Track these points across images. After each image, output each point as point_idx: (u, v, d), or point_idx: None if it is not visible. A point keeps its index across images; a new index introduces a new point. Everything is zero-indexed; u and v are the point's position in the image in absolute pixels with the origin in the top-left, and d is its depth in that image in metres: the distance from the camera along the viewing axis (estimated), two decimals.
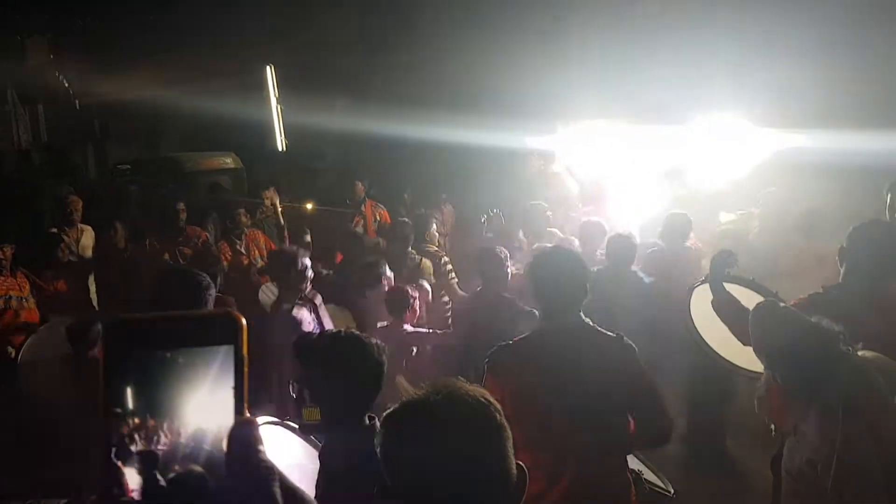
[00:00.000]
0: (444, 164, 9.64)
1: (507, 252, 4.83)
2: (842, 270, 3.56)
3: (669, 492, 3.20)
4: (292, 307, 4.42)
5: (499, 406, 1.39)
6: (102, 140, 15.41)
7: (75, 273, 6.33)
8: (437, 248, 6.41)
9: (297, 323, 4.32)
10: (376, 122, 9.58)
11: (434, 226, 6.82)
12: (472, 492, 1.32)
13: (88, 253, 6.92)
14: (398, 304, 4.81)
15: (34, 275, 5.91)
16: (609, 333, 2.89)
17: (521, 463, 1.37)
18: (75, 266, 6.49)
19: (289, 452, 2.91)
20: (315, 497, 2.37)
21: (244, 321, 0.83)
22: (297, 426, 2.54)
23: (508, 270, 4.76)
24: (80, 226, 7.03)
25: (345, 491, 2.19)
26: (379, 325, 4.83)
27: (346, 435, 2.32)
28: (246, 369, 0.82)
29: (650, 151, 7.36)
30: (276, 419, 2.92)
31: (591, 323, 2.89)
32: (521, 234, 6.59)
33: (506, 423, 1.37)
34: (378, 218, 8.13)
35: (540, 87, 9.06)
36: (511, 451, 1.36)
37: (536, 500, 2.67)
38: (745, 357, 4.09)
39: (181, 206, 6.92)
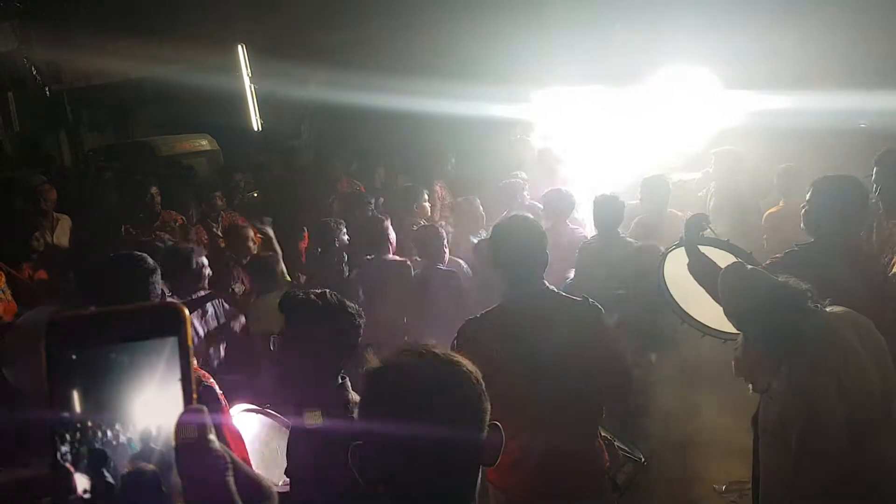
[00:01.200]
0: (426, 138, 9.58)
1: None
2: (809, 228, 3.62)
3: (640, 458, 3.25)
4: None
5: (474, 368, 1.42)
6: (75, 127, 15.19)
7: (54, 263, 6.26)
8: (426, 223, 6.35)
9: None
10: (352, 97, 9.50)
11: (426, 200, 6.81)
12: (447, 451, 1.35)
13: (65, 242, 6.84)
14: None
15: (10, 267, 5.84)
16: (574, 297, 2.92)
17: (496, 423, 1.40)
18: (53, 256, 6.42)
19: (266, 437, 2.94)
20: (290, 456, 2.43)
21: (187, 311, 0.83)
22: (272, 412, 2.57)
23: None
24: (55, 215, 6.95)
25: (319, 448, 2.25)
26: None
27: (320, 392, 2.39)
28: (192, 360, 0.82)
29: (624, 116, 7.34)
30: (253, 406, 2.95)
31: (554, 289, 2.91)
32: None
33: (481, 384, 1.40)
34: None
35: (512, 54, 9.00)
36: (486, 411, 1.39)
37: (511, 468, 2.71)
38: (719, 319, 4.17)
39: (155, 189, 6.82)
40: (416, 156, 8.92)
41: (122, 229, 6.73)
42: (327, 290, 2.59)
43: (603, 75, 7.64)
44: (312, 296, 2.57)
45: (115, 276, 2.64)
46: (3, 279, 5.67)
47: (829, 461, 2.44)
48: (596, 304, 2.93)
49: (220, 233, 6.68)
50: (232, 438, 2.55)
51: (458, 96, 8.15)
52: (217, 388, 2.66)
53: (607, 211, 5.15)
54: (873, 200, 4.21)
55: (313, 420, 2.38)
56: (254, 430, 2.95)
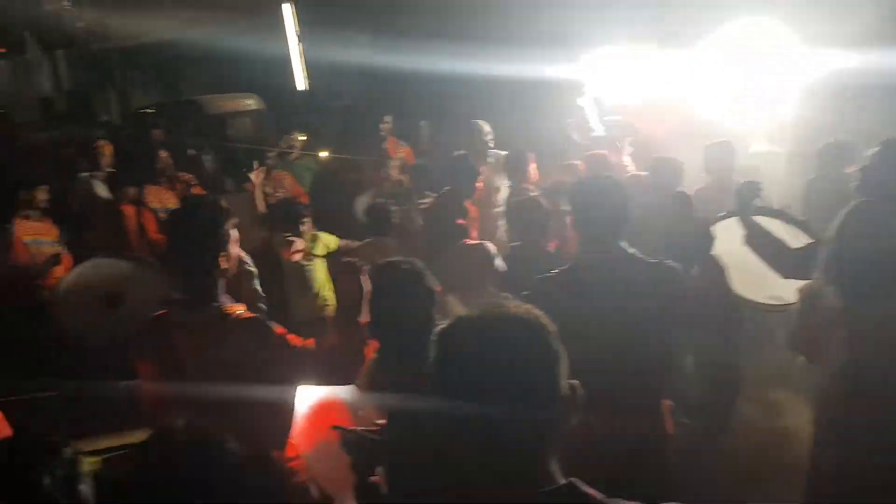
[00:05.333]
0: (473, 101, 9.41)
1: None
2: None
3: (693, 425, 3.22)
4: None
5: (550, 324, 1.39)
6: (124, 85, 15.36)
7: (108, 216, 6.40)
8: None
9: None
10: (399, 58, 9.37)
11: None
12: (522, 406, 1.33)
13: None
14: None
15: (67, 219, 5.98)
16: (651, 260, 2.84)
17: (573, 382, 1.38)
18: (107, 209, 6.57)
19: None
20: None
21: None
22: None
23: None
24: (108, 170, 7.09)
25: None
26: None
27: (402, 346, 2.43)
28: None
29: (686, 78, 6.87)
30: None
31: (632, 251, 2.83)
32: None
33: (557, 341, 1.38)
34: (402, 157, 8.02)
35: (560, 13, 8.71)
36: (563, 369, 1.37)
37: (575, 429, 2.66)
38: (765, 292, 4.02)
39: (164, 153, 7.09)
40: (456, 120, 8.77)
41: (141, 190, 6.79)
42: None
43: (659, 32, 7.27)
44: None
45: (189, 220, 2.61)
46: (58, 232, 5.78)
47: None
48: (673, 265, 2.84)
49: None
50: None
51: (503, 58, 7.95)
52: None
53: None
54: None
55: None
56: None
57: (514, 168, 5.57)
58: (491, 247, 4.23)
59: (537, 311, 1.41)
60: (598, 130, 6.65)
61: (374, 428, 2.34)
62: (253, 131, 10.44)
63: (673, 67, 6.81)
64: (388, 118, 8.26)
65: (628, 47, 7.30)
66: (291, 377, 2.53)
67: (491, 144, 6.38)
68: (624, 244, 2.82)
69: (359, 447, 2.27)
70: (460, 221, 4.64)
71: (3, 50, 17.35)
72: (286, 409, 2.53)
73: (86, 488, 1.53)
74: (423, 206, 5.52)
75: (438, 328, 1.42)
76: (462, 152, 5.46)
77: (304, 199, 6.79)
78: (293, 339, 2.55)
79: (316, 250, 5.34)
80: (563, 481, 1.34)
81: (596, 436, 2.63)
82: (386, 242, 4.90)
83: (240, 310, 2.56)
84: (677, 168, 5.13)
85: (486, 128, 6.44)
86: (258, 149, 7.25)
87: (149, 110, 12.01)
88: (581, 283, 2.80)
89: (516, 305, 1.43)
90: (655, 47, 7.10)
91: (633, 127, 6.42)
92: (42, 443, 1.44)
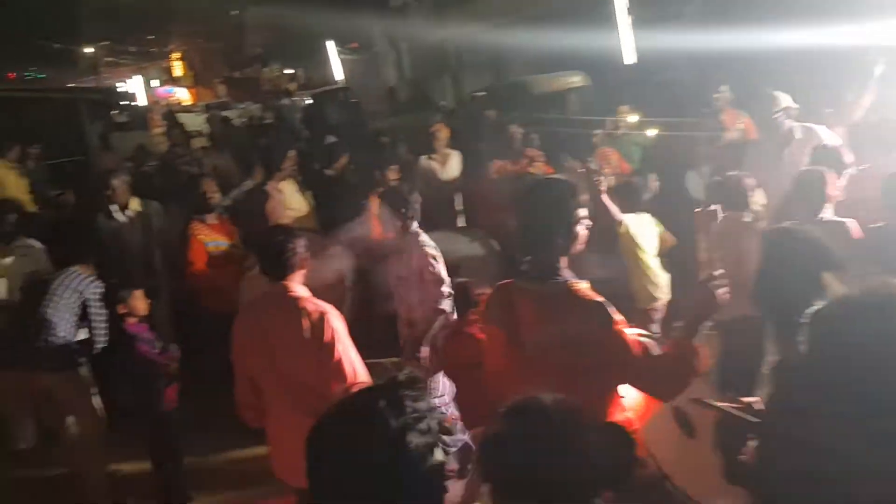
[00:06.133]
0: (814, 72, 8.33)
1: None
2: None
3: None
4: None
5: None
6: (458, 71, 16.38)
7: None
8: None
9: None
10: (729, 27, 8.62)
11: None
12: None
13: (454, 173, 7.49)
14: None
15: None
16: None
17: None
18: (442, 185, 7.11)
19: None
20: None
21: None
22: None
23: None
24: (445, 150, 7.59)
25: None
26: None
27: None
28: None
29: None
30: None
31: None
32: None
33: None
34: (741, 128, 7.38)
35: None
36: None
37: None
38: None
39: (514, 128, 7.46)
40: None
41: (492, 166, 7.19)
42: None
43: None
44: None
45: (540, 196, 2.62)
46: None
47: None
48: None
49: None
50: None
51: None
52: None
53: None
54: None
55: None
56: None
57: None
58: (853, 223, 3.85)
59: None
60: None
61: (741, 405, 2.17)
62: (579, 108, 10.45)
63: None
64: (724, 88, 7.67)
65: None
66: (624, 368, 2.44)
67: (783, 117, 5.51)
68: None
69: (728, 425, 2.16)
70: None
71: (355, 45, 19.61)
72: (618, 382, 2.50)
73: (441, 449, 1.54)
74: None
75: (818, 307, 1.38)
76: None
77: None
78: (631, 333, 2.48)
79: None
80: None
81: None
82: (740, 216, 4.50)
83: (585, 286, 2.51)
84: None
85: (782, 99, 5.55)
86: (585, 124, 7.18)
87: (480, 93, 12.63)
88: None
89: None
90: None
91: None
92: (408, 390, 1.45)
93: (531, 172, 6.72)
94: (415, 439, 1.35)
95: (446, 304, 4.44)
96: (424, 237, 4.60)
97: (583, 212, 2.56)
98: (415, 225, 4.64)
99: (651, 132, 7.79)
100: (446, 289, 4.43)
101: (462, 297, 4.28)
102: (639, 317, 4.87)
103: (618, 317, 2.45)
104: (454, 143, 7.76)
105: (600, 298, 2.47)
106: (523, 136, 7.77)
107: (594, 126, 7.99)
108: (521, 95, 11.08)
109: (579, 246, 2.57)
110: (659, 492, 2.63)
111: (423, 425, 1.38)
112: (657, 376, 2.44)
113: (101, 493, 4.69)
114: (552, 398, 1.66)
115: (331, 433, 1.40)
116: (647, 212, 5.26)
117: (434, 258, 4.47)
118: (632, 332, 2.47)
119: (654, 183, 5.93)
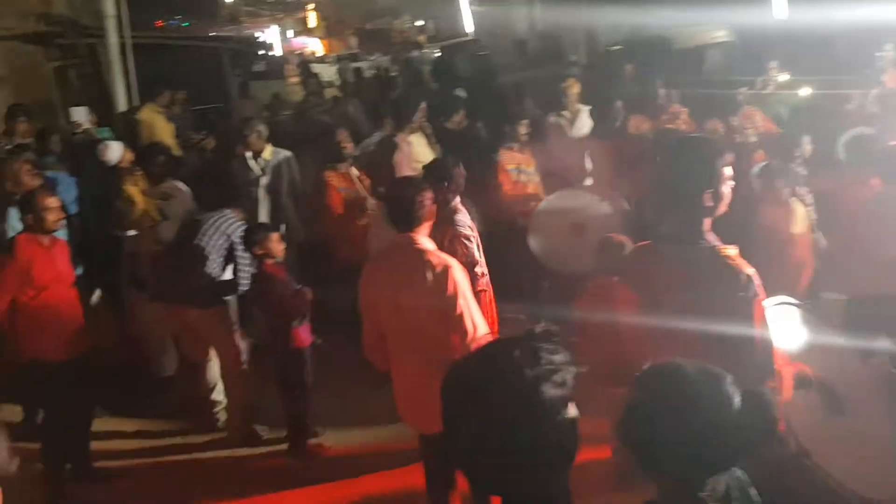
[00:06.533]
0: None
1: None
2: None
3: None
4: None
5: None
6: (592, 25, 15.81)
7: (574, 148, 6.71)
8: None
9: None
10: None
11: None
12: None
13: (585, 130, 7.28)
14: None
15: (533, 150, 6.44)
16: None
17: None
18: (571, 143, 6.90)
19: None
20: None
21: None
22: None
23: None
24: (576, 105, 7.39)
25: None
26: None
27: None
28: None
29: None
30: None
31: None
32: None
33: None
34: None
35: None
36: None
37: None
38: None
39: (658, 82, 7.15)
40: None
41: (629, 120, 6.86)
42: None
43: None
44: None
45: (681, 154, 2.51)
46: (534, 162, 6.21)
47: None
48: None
49: None
50: None
51: None
52: None
53: None
54: None
55: None
56: None
57: None
58: None
59: None
60: None
61: None
62: (723, 64, 9.91)
63: None
64: (889, 46, 7.04)
65: None
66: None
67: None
68: None
69: None
70: None
71: None
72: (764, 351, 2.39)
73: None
74: None
75: None
76: None
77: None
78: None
79: None
80: None
81: None
82: None
83: (732, 250, 2.40)
84: None
85: None
86: (728, 82, 6.78)
87: (616, 47, 12.17)
88: None
89: None
90: None
91: None
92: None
93: (671, 129, 6.42)
94: (549, 391, 1.33)
95: (479, 286, 4.04)
96: (461, 216, 4.24)
97: (728, 171, 2.46)
98: (456, 200, 4.31)
99: (804, 91, 7.27)
100: (479, 269, 4.07)
101: None
102: None
103: (762, 293, 2.33)
104: (586, 99, 7.54)
105: (751, 269, 2.34)
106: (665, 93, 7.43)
107: (739, 84, 7.54)
108: (660, 50, 10.59)
109: (723, 207, 2.45)
110: (797, 469, 2.51)
111: (557, 377, 1.35)
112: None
113: (241, 419, 5.00)
114: (693, 364, 1.60)
115: (465, 381, 1.40)
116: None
117: (468, 238, 4.11)
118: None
119: (807, 146, 5.54)
